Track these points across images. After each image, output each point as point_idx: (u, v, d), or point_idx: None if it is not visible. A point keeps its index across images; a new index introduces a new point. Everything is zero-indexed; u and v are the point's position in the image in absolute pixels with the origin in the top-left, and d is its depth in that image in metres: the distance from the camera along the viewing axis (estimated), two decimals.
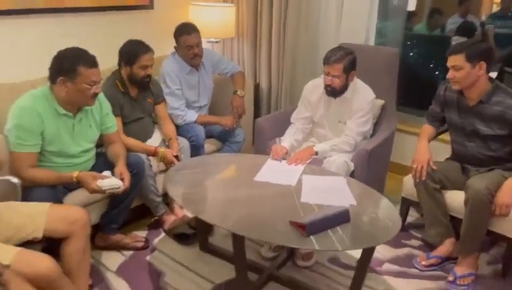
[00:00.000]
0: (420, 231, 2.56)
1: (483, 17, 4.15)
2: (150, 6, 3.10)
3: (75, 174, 1.92)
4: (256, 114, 3.32)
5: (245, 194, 2.00)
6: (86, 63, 1.90)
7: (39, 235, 1.63)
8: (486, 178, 2.09)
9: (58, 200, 1.89)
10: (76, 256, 1.69)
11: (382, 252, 2.39)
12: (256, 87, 3.45)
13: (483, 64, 2.06)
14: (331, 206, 1.82)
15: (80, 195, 2.08)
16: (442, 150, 2.55)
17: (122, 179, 2.00)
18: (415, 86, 3.69)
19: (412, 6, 4.36)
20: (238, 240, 1.75)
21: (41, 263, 1.42)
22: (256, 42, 3.47)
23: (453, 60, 2.09)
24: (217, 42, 3.39)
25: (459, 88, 2.15)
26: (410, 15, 4.36)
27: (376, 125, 2.77)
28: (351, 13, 3.06)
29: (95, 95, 1.97)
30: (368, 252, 1.80)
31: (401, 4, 3.83)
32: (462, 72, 2.07)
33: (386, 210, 1.88)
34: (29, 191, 1.84)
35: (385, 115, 2.80)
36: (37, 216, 1.65)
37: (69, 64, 1.89)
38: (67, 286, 1.52)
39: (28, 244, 1.60)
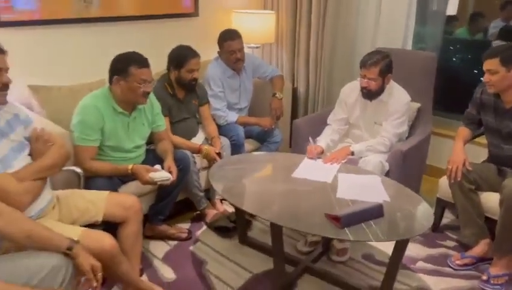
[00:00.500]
0: (455, 232, 2.59)
1: None
2: (195, 14, 3.30)
3: (130, 166, 2.13)
4: (294, 116, 3.45)
5: (283, 189, 2.13)
6: (136, 63, 2.10)
7: (100, 218, 1.83)
8: None
9: (115, 190, 2.09)
10: (130, 238, 1.87)
11: (416, 251, 2.44)
12: (294, 91, 3.57)
13: None
14: (365, 202, 1.91)
15: (132, 187, 2.27)
16: (478, 153, 2.58)
17: (170, 173, 2.18)
18: (454, 90, 3.69)
19: (452, 10, 4.35)
20: (276, 229, 1.88)
21: (104, 240, 1.61)
22: (295, 47, 3.60)
23: (488, 64, 2.13)
24: (257, 47, 3.55)
25: (494, 91, 2.19)
26: (451, 19, 4.35)
27: (412, 127, 2.83)
28: (389, 18, 3.14)
29: (146, 93, 2.16)
30: (400, 246, 1.87)
31: (440, 9, 3.86)
32: (497, 76, 2.11)
33: (419, 206, 1.94)
34: (90, 181, 2.05)
35: (421, 118, 2.85)
36: (98, 202, 1.85)
37: (122, 65, 2.11)
38: (125, 263, 1.70)
39: (89, 227, 1.79)
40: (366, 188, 2.09)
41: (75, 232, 1.59)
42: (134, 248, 1.90)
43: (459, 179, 2.25)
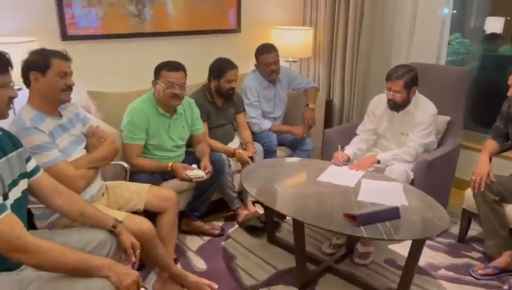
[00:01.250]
0: (481, 244, 2.60)
1: None
2: (237, 30, 3.57)
3: (170, 164, 2.38)
4: (328, 127, 3.59)
5: (308, 191, 2.29)
6: (167, 67, 2.37)
7: (141, 207, 2.07)
8: None
9: (156, 185, 2.33)
10: (167, 227, 2.10)
11: (440, 259, 2.50)
12: (330, 103, 3.72)
13: None
14: (383, 205, 2.03)
15: (172, 184, 2.51)
16: (506, 166, 2.60)
17: (205, 172, 2.40)
18: (492, 106, 3.69)
19: (492, 28, 4.36)
20: (298, 225, 2.04)
21: (144, 224, 1.84)
22: (331, 61, 3.76)
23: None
24: (294, 61, 3.75)
25: None
26: (496, 37, 4.34)
27: (441, 140, 2.89)
28: (423, 34, 3.24)
29: (174, 95, 2.38)
30: (415, 248, 1.97)
31: (479, 25, 3.90)
32: None
33: (436, 211, 2.02)
34: (134, 175, 2.32)
35: (451, 131, 2.90)
36: (141, 193, 2.10)
37: (157, 69, 2.40)
38: (160, 246, 1.93)
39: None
40: (386, 193, 2.19)
41: (120, 215, 1.83)
42: (170, 236, 2.12)
43: (482, 189, 2.30)
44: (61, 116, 1.90)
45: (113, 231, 1.63)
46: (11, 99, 1.34)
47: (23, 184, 1.46)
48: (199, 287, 2.11)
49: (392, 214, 1.94)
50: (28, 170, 1.50)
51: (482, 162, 2.38)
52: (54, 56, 1.81)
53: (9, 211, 1.26)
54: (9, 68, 1.33)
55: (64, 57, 1.84)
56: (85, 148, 2.00)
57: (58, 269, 1.30)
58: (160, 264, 2.00)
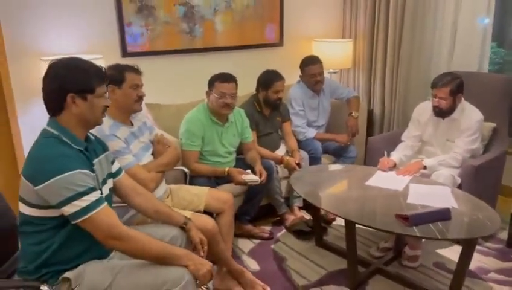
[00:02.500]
0: None
1: None
2: (280, 44, 3.74)
3: (227, 169, 2.54)
4: (370, 136, 3.67)
5: (357, 194, 2.38)
6: (220, 79, 2.55)
7: (202, 208, 2.23)
8: None
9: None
10: (225, 227, 2.25)
11: (489, 263, 2.52)
12: (370, 113, 3.81)
13: None
14: (433, 207, 2.10)
15: (225, 188, 2.64)
16: None
17: (260, 176, 2.55)
18: None
19: None
20: (350, 226, 2.13)
21: (208, 222, 2.00)
22: (371, 72, 3.86)
23: None
24: (335, 72, 3.87)
25: None
26: None
27: (487, 146, 2.92)
28: (464, 43, 3.29)
29: (225, 104, 2.55)
30: (467, 248, 2.03)
31: None
32: None
33: (486, 212, 2.07)
34: (193, 179, 2.49)
35: (496, 137, 2.93)
36: (201, 195, 2.26)
37: (211, 80, 2.58)
38: (222, 243, 2.08)
39: None
40: (435, 196, 2.26)
41: (187, 214, 1.98)
42: (228, 235, 2.27)
43: None
44: (132, 124, 2.10)
45: (183, 227, 1.78)
46: (105, 108, 1.53)
47: (110, 183, 1.64)
48: (254, 285, 2.23)
49: (444, 214, 2.01)
50: (113, 171, 1.68)
51: None
52: (128, 70, 2.01)
53: (105, 203, 1.43)
54: (105, 80, 1.52)
55: (136, 71, 2.04)
56: (152, 154, 2.18)
57: (145, 256, 1.46)
58: (222, 260, 2.15)
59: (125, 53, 3.01)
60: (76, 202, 1.35)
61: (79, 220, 1.37)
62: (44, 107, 1.49)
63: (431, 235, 1.89)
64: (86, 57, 2.56)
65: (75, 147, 1.45)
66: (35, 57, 2.67)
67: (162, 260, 1.48)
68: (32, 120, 2.68)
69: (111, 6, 2.92)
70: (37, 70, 2.64)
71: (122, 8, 2.94)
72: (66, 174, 1.34)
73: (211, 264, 1.55)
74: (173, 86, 3.24)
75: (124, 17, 2.96)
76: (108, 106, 1.54)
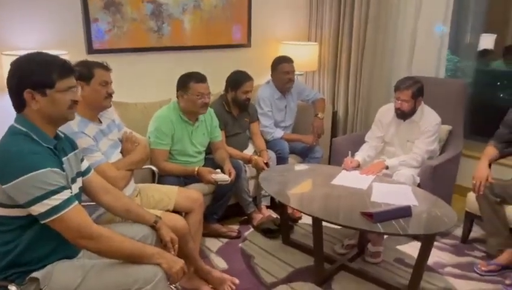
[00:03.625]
0: (483, 244, 2.78)
1: None
2: (248, 45, 3.77)
3: (196, 168, 2.55)
4: (333, 137, 3.78)
5: (324, 192, 2.46)
6: (195, 79, 2.56)
7: (171, 207, 2.22)
8: None
9: None
10: (194, 226, 2.25)
11: (446, 258, 2.67)
12: (334, 115, 3.92)
13: None
14: (395, 205, 2.20)
15: (194, 187, 2.65)
16: (506, 172, 2.80)
17: (229, 175, 2.57)
18: (488, 117, 3.92)
19: (486, 45, 4.64)
20: (317, 223, 2.20)
21: (178, 221, 2.00)
22: (336, 75, 3.97)
23: None
24: (300, 74, 3.95)
25: None
26: (488, 53, 4.61)
27: (443, 147, 3.09)
28: (423, 50, 3.47)
29: (205, 104, 2.58)
30: (426, 243, 2.14)
31: (473, 42, 4.17)
32: None
33: (443, 210, 2.20)
34: (161, 178, 2.47)
35: (452, 139, 3.11)
36: (171, 194, 2.25)
37: (183, 81, 2.57)
38: (191, 242, 2.08)
39: None
40: (397, 194, 2.37)
41: (157, 213, 1.97)
42: (197, 233, 2.28)
43: (481, 192, 2.48)
44: (101, 122, 2.06)
45: (154, 226, 1.78)
46: (74, 102, 1.48)
47: (79, 182, 1.61)
48: (222, 282, 2.25)
49: (405, 212, 2.11)
50: (82, 169, 1.65)
51: (481, 167, 2.57)
52: (97, 67, 1.98)
53: (76, 202, 1.41)
54: (72, 74, 1.48)
55: (105, 67, 2.01)
56: (120, 152, 2.16)
57: (117, 255, 1.45)
58: (190, 259, 2.14)
59: (91, 50, 2.95)
60: (46, 201, 1.32)
61: (48, 220, 1.34)
62: (5, 103, 1.43)
63: (394, 231, 1.99)
64: (50, 52, 2.53)
65: (44, 145, 1.41)
66: None
67: (134, 259, 1.47)
68: None
69: (77, 2, 2.85)
70: None
71: (88, 4, 2.87)
72: (36, 172, 1.30)
73: (183, 261, 1.56)
74: (140, 84, 3.19)
75: (91, 13, 2.90)
76: (76, 101, 1.48)
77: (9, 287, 1.33)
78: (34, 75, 1.40)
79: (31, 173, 1.30)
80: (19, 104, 1.42)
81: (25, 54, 1.45)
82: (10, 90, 1.42)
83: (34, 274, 1.40)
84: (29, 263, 1.41)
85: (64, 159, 1.51)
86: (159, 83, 3.22)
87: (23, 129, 1.40)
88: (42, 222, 1.35)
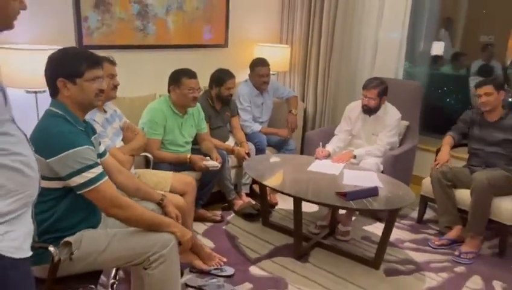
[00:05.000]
0: (436, 224, 3.20)
1: (508, 62, 4.84)
2: (225, 45, 4.03)
3: (189, 155, 2.79)
4: (304, 131, 4.12)
5: (302, 177, 2.78)
6: (187, 75, 2.81)
7: (167, 190, 2.44)
8: (488, 173, 2.77)
9: None
10: (188, 206, 2.48)
11: (404, 235, 3.06)
12: (305, 111, 4.26)
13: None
14: (364, 186, 2.55)
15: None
16: (456, 163, 3.25)
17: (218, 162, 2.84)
18: (438, 116, 4.43)
19: (437, 51, 5.18)
20: (297, 202, 2.51)
21: (179, 199, 2.25)
22: (305, 75, 4.32)
23: (485, 89, 2.84)
24: (273, 74, 4.26)
25: (489, 109, 2.87)
26: (438, 58, 5.15)
27: (402, 140, 3.51)
28: (384, 54, 3.88)
29: (195, 98, 2.83)
30: (390, 220, 2.51)
31: (427, 50, 4.67)
32: (492, 97, 2.83)
33: (404, 190, 2.60)
34: (157, 165, 2.70)
35: (409, 133, 3.53)
36: (166, 178, 2.48)
37: (176, 76, 2.81)
38: (190, 219, 2.34)
39: None
40: (365, 178, 2.73)
41: (160, 193, 2.20)
42: (190, 212, 2.51)
43: (438, 169, 2.91)
44: (105, 111, 2.26)
45: (160, 203, 2.01)
46: (100, 91, 1.69)
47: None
48: (212, 258, 2.52)
49: (373, 191, 2.47)
50: (100, 152, 1.86)
51: (444, 152, 3.02)
52: (104, 61, 2.17)
53: (107, 177, 1.63)
54: (98, 65, 1.68)
55: (111, 62, 2.24)
56: (122, 140, 2.36)
57: (140, 223, 1.68)
58: None
59: (81, 46, 3.10)
60: (84, 174, 1.53)
61: (86, 190, 1.55)
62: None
63: (364, 207, 2.34)
64: (42, 48, 2.68)
65: (78, 127, 1.62)
66: None
67: (154, 227, 1.70)
68: None
69: (69, 1, 3.00)
70: None
71: (80, 2, 3.03)
72: (76, 148, 1.52)
73: (191, 233, 1.81)
74: (127, 80, 3.31)
75: (82, 11, 3.06)
76: (103, 90, 1.68)
77: (49, 248, 1.52)
78: (65, 66, 1.61)
79: (73, 149, 1.51)
80: (53, 91, 1.63)
81: (60, 48, 1.66)
82: (46, 79, 1.62)
83: (67, 238, 1.60)
84: (62, 230, 1.62)
85: (92, 139, 1.72)
86: (145, 78, 3.41)
87: (60, 112, 1.60)
88: (79, 193, 1.56)
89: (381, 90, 3.08)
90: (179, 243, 1.76)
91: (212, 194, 3.22)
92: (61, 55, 1.63)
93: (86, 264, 1.63)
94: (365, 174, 2.83)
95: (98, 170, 1.58)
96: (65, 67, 1.61)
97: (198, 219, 3.09)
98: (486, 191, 2.70)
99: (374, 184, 2.61)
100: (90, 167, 1.55)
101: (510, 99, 4.37)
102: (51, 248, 1.52)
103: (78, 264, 1.62)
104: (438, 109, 4.62)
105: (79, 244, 1.62)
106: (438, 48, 5.21)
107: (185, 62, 3.57)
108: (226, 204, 3.34)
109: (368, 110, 3.15)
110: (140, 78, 3.42)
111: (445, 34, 4.97)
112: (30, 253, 1.12)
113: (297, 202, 2.51)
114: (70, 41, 3.05)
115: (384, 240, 2.59)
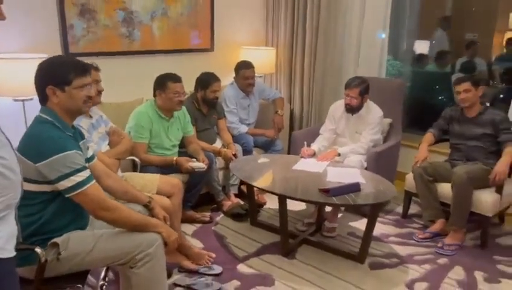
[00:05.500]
0: (420, 219, 3.28)
1: (493, 59, 4.96)
2: (211, 49, 4.09)
3: (175, 157, 2.84)
4: (291, 131, 4.19)
5: (287, 176, 2.84)
6: (172, 79, 2.87)
7: (154, 192, 2.49)
8: (467, 167, 2.85)
9: None
10: (175, 207, 2.53)
11: (389, 230, 3.14)
12: (291, 112, 4.33)
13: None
14: (347, 182, 2.62)
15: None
16: (438, 158, 3.34)
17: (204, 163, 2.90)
18: (421, 113, 4.52)
19: (421, 50, 5.28)
20: (282, 200, 2.57)
21: (165, 201, 2.30)
22: (291, 77, 4.39)
23: (464, 86, 2.93)
24: (260, 77, 4.33)
25: (468, 105, 2.95)
26: (423, 57, 5.25)
27: (385, 138, 3.58)
28: (367, 53, 3.96)
29: (180, 102, 2.89)
30: (373, 214, 2.58)
31: (410, 48, 4.77)
32: (470, 93, 2.92)
33: (385, 185, 2.67)
34: (144, 168, 2.75)
35: (392, 130, 3.61)
36: (153, 181, 2.53)
37: (161, 81, 2.87)
38: (177, 221, 2.39)
39: None
40: (348, 175, 2.80)
41: (147, 195, 2.26)
42: (177, 214, 2.56)
43: (418, 165, 3.00)
44: (91, 117, 2.32)
45: (148, 205, 2.05)
46: (88, 98, 1.74)
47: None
48: (201, 257, 2.58)
49: (355, 188, 2.54)
50: (88, 156, 1.91)
51: (422, 149, 3.11)
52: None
53: (95, 180, 1.68)
54: (87, 73, 1.73)
55: (95, 68, 2.28)
56: (108, 144, 2.41)
57: (127, 224, 1.73)
58: None
59: (67, 54, 3.15)
60: (73, 177, 1.58)
61: (74, 193, 1.60)
62: None
63: (346, 202, 2.40)
64: (29, 56, 2.72)
65: (66, 132, 1.68)
66: None
67: (141, 227, 1.76)
68: None
69: (54, 9, 3.05)
70: None
71: (64, 11, 3.08)
72: (65, 153, 1.58)
73: (177, 234, 1.86)
74: (113, 85, 3.36)
75: (67, 19, 3.11)
76: (91, 96, 1.74)
77: (36, 249, 1.57)
78: (54, 74, 1.67)
79: (62, 154, 1.57)
80: (43, 98, 1.69)
81: (49, 57, 1.71)
82: (36, 87, 1.69)
83: (54, 240, 1.65)
84: (50, 232, 1.67)
85: (80, 144, 1.77)
86: (131, 84, 3.46)
87: (49, 118, 1.66)
88: (67, 196, 1.61)
89: (362, 89, 3.16)
90: (165, 244, 1.81)
91: (201, 195, 3.27)
92: (50, 64, 1.69)
93: (73, 265, 1.68)
94: (348, 171, 2.90)
95: (86, 173, 1.63)
96: (54, 76, 1.67)
97: (187, 220, 3.14)
98: (465, 184, 2.78)
99: (357, 180, 2.68)
100: (78, 170, 1.60)
101: (502, 96, 4.51)
102: (38, 250, 1.57)
103: (65, 265, 1.66)
104: (424, 106, 4.72)
105: (66, 245, 1.66)
106: (421, 47, 5.32)
107: (171, 67, 3.62)
108: (215, 205, 3.40)
109: (351, 109, 3.22)
110: (127, 83, 3.47)
111: (443, 34, 5.07)
112: (14, 253, 1.17)
113: (282, 199, 2.57)
114: (56, 49, 3.10)
115: (368, 235, 2.66)
